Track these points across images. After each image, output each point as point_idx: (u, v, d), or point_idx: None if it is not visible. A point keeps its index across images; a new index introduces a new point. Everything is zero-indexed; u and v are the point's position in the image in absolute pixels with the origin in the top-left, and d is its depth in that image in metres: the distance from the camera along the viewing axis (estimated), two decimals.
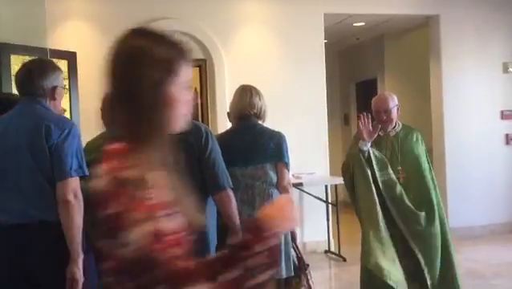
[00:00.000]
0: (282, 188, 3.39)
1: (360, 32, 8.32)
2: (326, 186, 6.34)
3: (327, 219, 6.41)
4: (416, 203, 3.61)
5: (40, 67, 2.57)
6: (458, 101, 6.99)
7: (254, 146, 3.36)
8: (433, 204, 3.64)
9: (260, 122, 3.46)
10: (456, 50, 6.98)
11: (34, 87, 2.50)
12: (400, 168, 3.64)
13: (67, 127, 2.43)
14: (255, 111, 3.42)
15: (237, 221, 2.83)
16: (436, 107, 7.13)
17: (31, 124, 2.41)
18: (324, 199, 6.30)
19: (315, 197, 6.21)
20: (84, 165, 2.42)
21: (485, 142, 7.07)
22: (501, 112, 7.16)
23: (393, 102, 3.74)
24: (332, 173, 6.56)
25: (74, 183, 2.36)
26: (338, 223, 6.25)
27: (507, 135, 7.17)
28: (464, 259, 5.98)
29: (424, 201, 3.64)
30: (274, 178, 3.37)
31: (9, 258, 2.39)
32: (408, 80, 8.44)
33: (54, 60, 4.91)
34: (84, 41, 5.77)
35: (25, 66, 2.64)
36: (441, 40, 6.97)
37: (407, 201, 3.57)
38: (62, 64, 5.05)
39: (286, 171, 3.40)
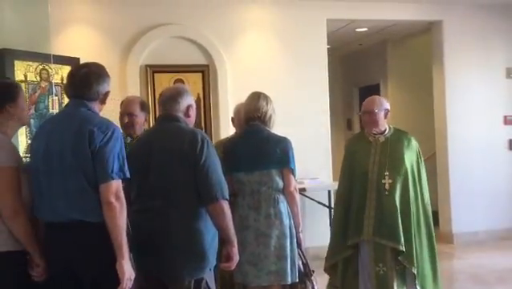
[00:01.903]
0: (288, 193, 3.40)
1: (363, 38, 8.33)
2: (329, 191, 6.32)
3: (330, 225, 6.39)
4: (401, 210, 3.57)
5: (97, 73, 2.61)
6: (461, 106, 6.97)
7: (260, 151, 3.37)
8: (410, 218, 3.57)
9: (267, 128, 3.47)
10: (459, 55, 6.98)
11: (92, 91, 2.57)
12: (387, 173, 3.57)
13: (110, 130, 2.48)
14: (259, 114, 3.43)
15: (231, 233, 2.81)
16: (439, 112, 7.11)
17: (76, 128, 2.47)
18: (327, 204, 6.29)
19: (318, 202, 6.20)
20: (126, 168, 2.49)
21: (489, 147, 7.05)
22: (505, 118, 7.14)
23: (380, 105, 3.68)
24: (335, 179, 6.50)
25: (116, 185, 2.43)
26: None
27: (510, 140, 7.16)
28: (468, 265, 5.97)
29: (403, 212, 3.58)
30: (280, 184, 3.38)
31: (56, 256, 2.49)
32: (411, 85, 8.44)
33: (58, 66, 4.96)
34: (88, 46, 5.77)
35: (81, 69, 2.64)
36: (444, 46, 6.97)
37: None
38: (66, 70, 5.06)
39: (292, 176, 3.41)
